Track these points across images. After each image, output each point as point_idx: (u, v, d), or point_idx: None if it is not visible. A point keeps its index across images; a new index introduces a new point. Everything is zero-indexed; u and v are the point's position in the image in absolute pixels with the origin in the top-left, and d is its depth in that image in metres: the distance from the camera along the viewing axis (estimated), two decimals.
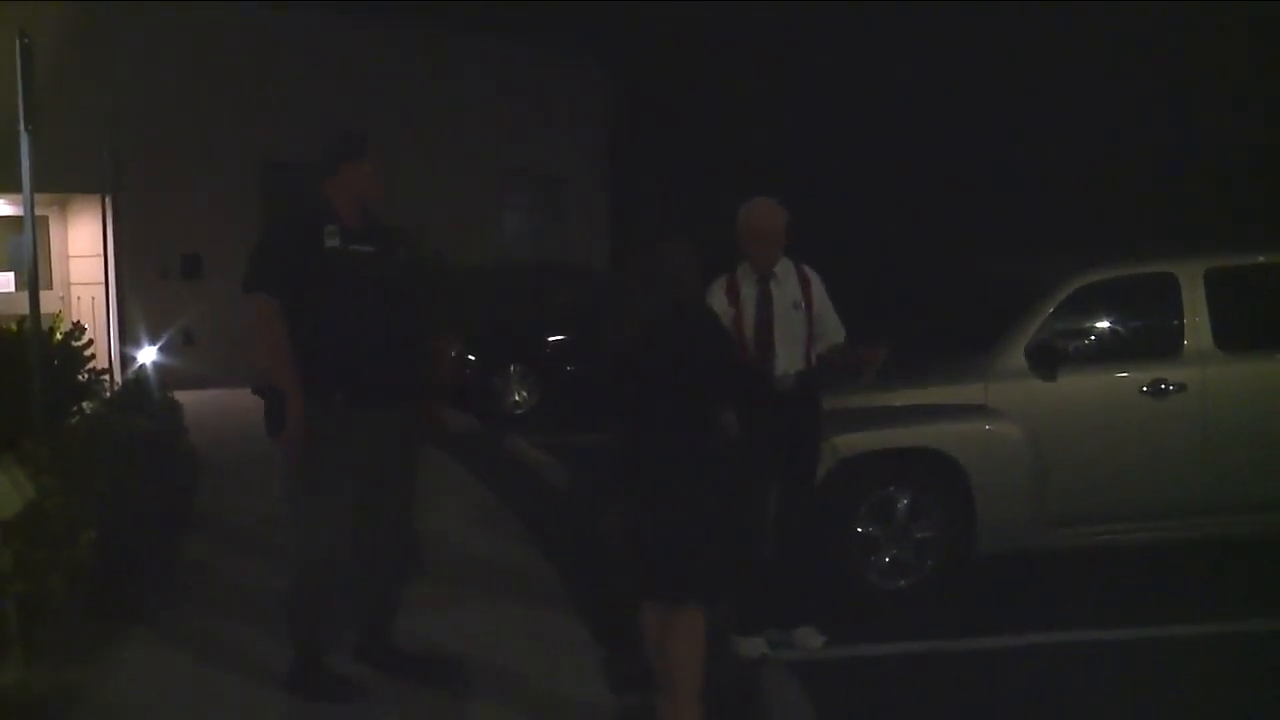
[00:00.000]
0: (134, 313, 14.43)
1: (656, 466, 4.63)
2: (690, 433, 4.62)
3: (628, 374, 4.72)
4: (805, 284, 5.80)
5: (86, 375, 9.03)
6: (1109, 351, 7.02)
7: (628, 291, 4.82)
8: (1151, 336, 7.11)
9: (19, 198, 13.48)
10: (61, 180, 12.54)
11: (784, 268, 5.81)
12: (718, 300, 5.70)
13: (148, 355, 12.56)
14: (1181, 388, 6.73)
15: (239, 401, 7.28)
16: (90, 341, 9.29)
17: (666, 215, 20.28)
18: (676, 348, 4.62)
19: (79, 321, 9.81)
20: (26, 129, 6.76)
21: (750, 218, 5.80)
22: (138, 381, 10.93)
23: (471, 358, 13.69)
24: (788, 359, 5.71)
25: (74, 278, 15.70)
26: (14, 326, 8.50)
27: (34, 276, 7.37)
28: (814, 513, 5.90)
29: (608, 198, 21.84)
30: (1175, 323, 6.90)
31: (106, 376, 10.08)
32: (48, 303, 8.56)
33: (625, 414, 4.75)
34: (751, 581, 5.75)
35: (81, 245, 15.62)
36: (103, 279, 14.95)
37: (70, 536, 5.74)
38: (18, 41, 6.73)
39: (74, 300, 15.45)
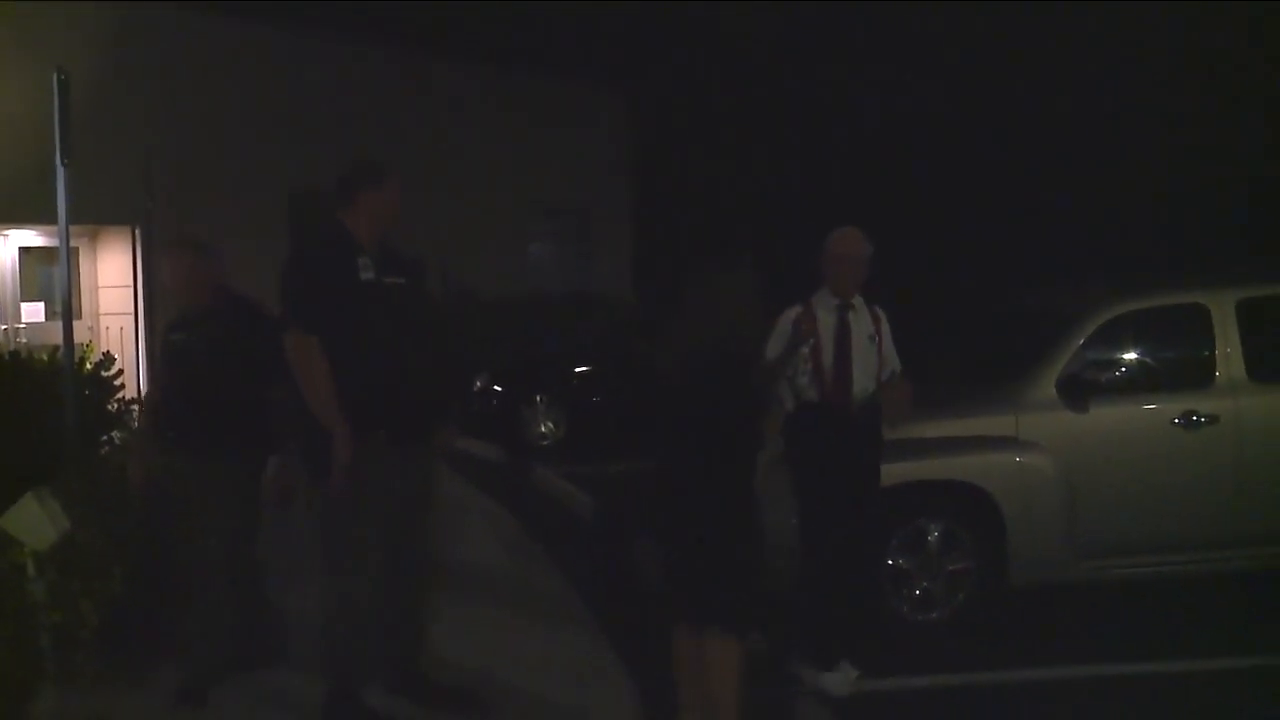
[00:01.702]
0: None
1: (685, 496, 4.64)
2: (720, 464, 4.61)
3: (669, 403, 4.72)
4: (876, 320, 5.87)
5: (116, 405, 9.08)
6: (1140, 383, 6.98)
7: (679, 321, 4.76)
8: (1183, 367, 7.06)
9: (50, 229, 13.59)
10: (93, 212, 12.63)
11: (858, 302, 5.87)
12: (780, 329, 5.69)
13: None
14: (1214, 419, 6.70)
15: None
16: (120, 371, 9.33)
17: (695, 245, 20.32)
18: (718, 380, 4.59)
19: (108, 352, 9.85)
20: (63, 163, 6.81)
21: (837, 244, 5.85)
22: None
23: (498, 389, 13.71)
24: (861, 391, 5.71)
25: (103, 308, 15.79)
26: (45, 357, 8.57)
27: (68, 309, 7.42)
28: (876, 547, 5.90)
29: (632, 228, 21.90)
30: (1206, 353, 6.87)
31: (136, 406, 10.12)
32: (77, 333, 8.60)
33: (662, 442, 4.74)
34: (829, 616, 5.74)
35: (111, 276, 15.72)
36: (132, 309, 15.07)
37: (102, 567, 5.77)
38: (55, 77, 6.80)
39: (103, 330, 15.53)
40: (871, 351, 5.78)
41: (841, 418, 5.68)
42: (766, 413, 4.78)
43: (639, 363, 12.68)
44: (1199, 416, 6.70)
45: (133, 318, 14.05)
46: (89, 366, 9.01)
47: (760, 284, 4.76)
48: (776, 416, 4.82)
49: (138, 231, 14.84)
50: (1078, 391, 6.68)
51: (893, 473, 6.29)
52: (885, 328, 5.91)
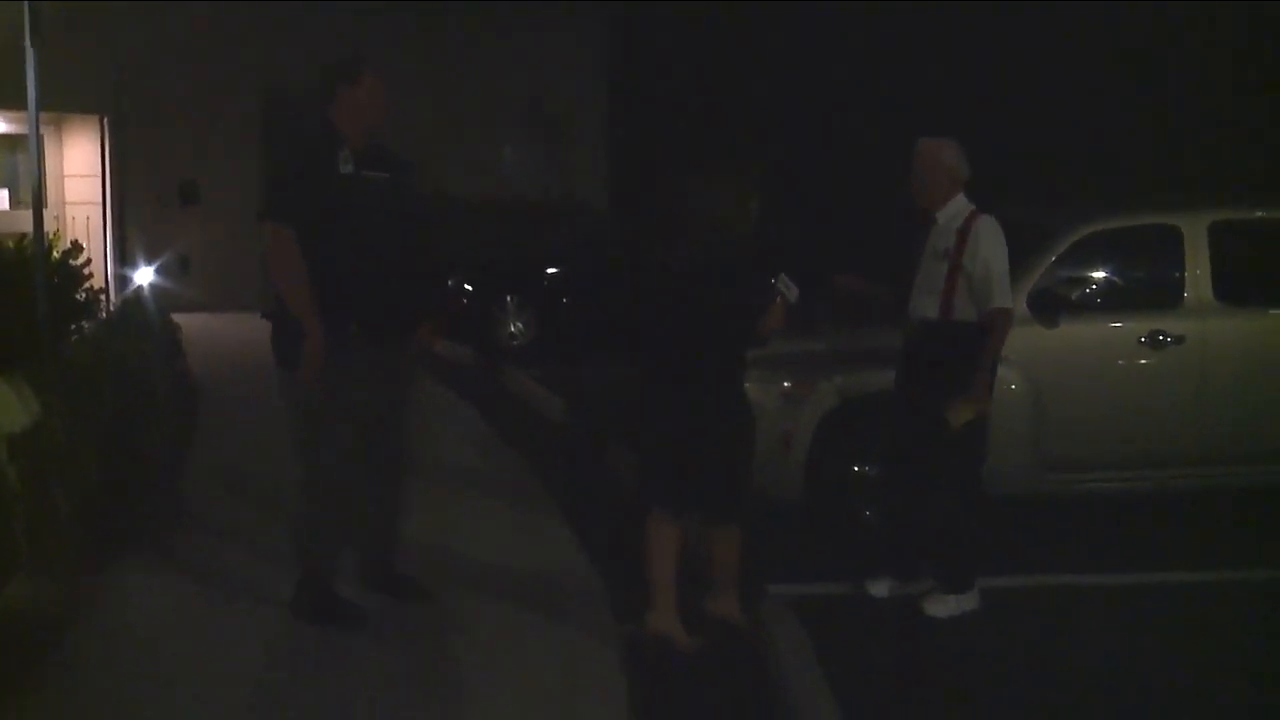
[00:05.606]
0: (131, 234, 14.40)
1: (693, 396, 4.86)
2: (722, 368, 4.89)
3: (668, 307, 4.91)
4: (962, 235, 5.45)
5: (84, 294, 9.02)
6: (1110, 301, 7.06)
7: (673, 226, 4.95)
8: (1152, 287, 7.14)
9: (13, 115, 13.36)
10: (60, 99, 12.42)
11: (949, 214, 5.51)
12: None
13: (144, 276, 12.53)
14: (1180, 339, 6.77)
15: (234, 326, 7.32)
16: (88, 260, 9.26)
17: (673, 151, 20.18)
18: (714, 285, 4.81)
19: (76, 240, 9.76)
20: (32, 45, 6.69)
21: (914, 155, 5.62)
22: (136, 302, 10.92)
23: (469, 288, 13.69)
24: (917, 305, 5.57)
25: (69, 197, 15.61)
26: (11, 245, 8.48)
27: (39, 196, 7.35)
28: (928, 469, 5.62)
29: (607, 132, 21.72)
30: (1176, 274, 6.91)
31: (103, 296, 10.06)
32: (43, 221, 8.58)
33: (661, 345, 4.94)
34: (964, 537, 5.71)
35: (77, 165, 15.52)
36: (99, 199, 14.90)
37: (74, 455, 5.78)
38: None
39: (69, 220, 15.37)
40: (936, 269, 5.47)
41: (908, 334, 5.63)
42: (762, 310, 4.90)
43: (613, 266, 12.71)
44: (1166, 336, 6.77)
45: (100, 207, 13.87)
46: (56, 255, 8.93)
47: (751, 189, 4.97)
48: (778, 310, 4.89)
49: (106, 121, 14.63)
50: (1048, 307, 6.72)
51: (862, 382, 6.37)
52: (975, 244, 5.37)
